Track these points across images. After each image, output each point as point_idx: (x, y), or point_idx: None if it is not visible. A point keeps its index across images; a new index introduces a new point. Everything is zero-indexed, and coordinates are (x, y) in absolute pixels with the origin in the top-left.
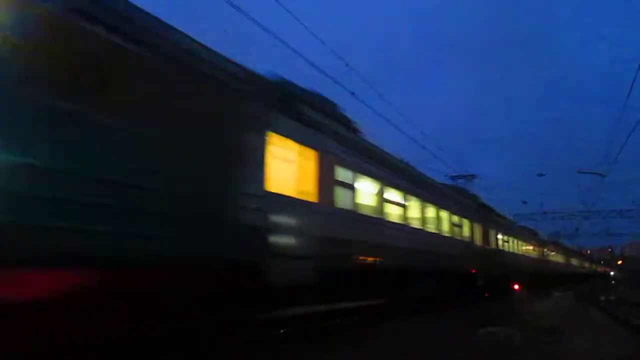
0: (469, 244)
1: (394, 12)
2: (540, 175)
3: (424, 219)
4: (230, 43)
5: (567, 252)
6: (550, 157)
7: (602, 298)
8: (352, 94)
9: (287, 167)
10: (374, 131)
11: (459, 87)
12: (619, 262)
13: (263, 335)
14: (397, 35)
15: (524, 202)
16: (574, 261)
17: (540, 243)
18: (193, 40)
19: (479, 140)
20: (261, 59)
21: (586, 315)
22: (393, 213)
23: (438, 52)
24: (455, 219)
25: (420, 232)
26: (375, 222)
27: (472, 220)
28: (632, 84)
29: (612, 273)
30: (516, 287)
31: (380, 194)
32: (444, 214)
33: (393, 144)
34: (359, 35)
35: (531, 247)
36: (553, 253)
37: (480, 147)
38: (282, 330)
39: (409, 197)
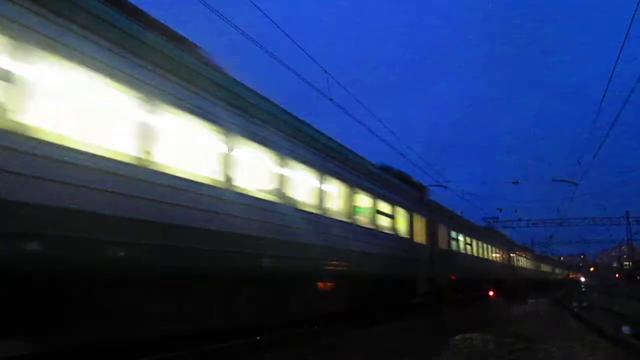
0: None
1: (380, 27)
2: (515, 182)
3: None
4: (205, 41)
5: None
6: (526, 165)
7: (575, 304)
8: (331, 99)
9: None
10: (351, 135)
11: (436, 98)
12: (591, 269)
13: (236, 344)
14: (382, 48)
15: (500, 210)
16: (526, 263)
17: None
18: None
19: (454, 147)
20: (239, 62)
21: (560, 322)
22: None
23: (420, 64)
24: None
25: None
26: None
27: None
28: (604, 94)
29: (582, 279)
30: (491, 293)
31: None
32: None
33: (370, 149)
34: (344, 44)
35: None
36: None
37: (455, 154)
38: (257, 338)
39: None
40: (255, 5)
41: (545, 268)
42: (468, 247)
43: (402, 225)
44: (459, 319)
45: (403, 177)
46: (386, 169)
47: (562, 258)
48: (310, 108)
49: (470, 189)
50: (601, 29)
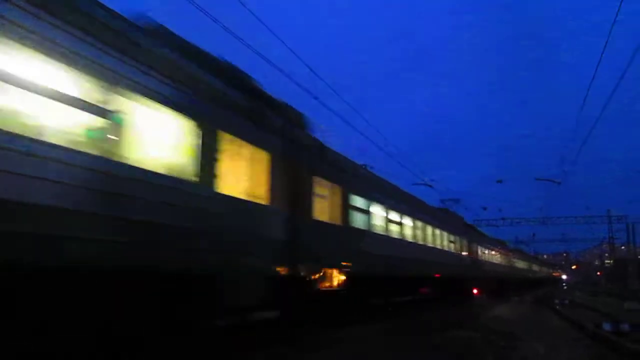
0: None
1: (369, 27)
2: (499, 181)
3: None
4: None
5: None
6: (510, 164)
7: (557, 301)
8: (316, 98)
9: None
10: (337, 134)
11: (423, 98)
12: (573, 267)
13: (223, 342)
14: (370, 47)
15: (484, 209)
16: (494, 258)
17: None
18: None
19: (440, 148)
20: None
21: (542, 319)
22: None
23: (406, 64)
24: None
25: None
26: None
27: None
28: (586, 94)
29: (564, 277)
30: (475, 291)
31: None
32: None
33: (356, 148)
34: (331, 43)
35: None
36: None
37: (441, 153)
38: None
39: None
40: (242, 4)
41: (521, 264)
42: (393, 227)
43: (178, 157)
44: (442, 317)
45: (240, 79)
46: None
47: (545, 256)
48: (296, 106)
49: (455, 189)
50: (585, 30)
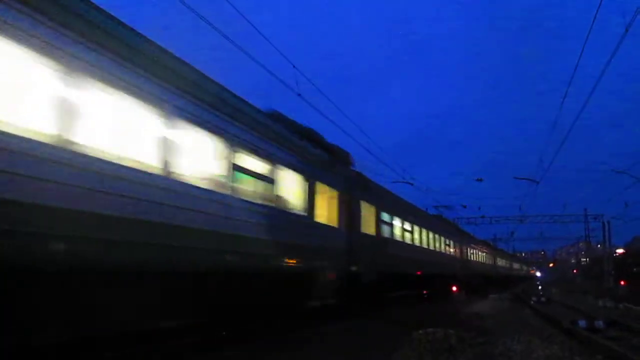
0: None
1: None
2: (479, 180)
3: None
4: (172, 35)
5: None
6: (490, 163)
7: (534, 299)
8: (299, 95)
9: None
10: (319, 131)
11: (403, 97)
12: (551, 265)
13: (200, 338)
14: (353, 45)
15: (464, 206)
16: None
17: None
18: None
19: (422, 146)
20: (205, 56)
21: (519, 316)
22: None
23: (389, 64)
24: None
25: None
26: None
27: None
28: (565, 95)
29: (538, 274)
30: (454, 289)
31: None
32: None
33: (337, 144)
34: (315, 39)
35: None
36: None
37: (423, 152)
38: (223, 333)
39: None
40: (227, 1)
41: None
42: (407, 234)
43: (294, 199)
44: (419, 314)
45: None
46: None
47: (523, 254)
48: (279, 103)
49: (436, 187)
50: (566, 32)
